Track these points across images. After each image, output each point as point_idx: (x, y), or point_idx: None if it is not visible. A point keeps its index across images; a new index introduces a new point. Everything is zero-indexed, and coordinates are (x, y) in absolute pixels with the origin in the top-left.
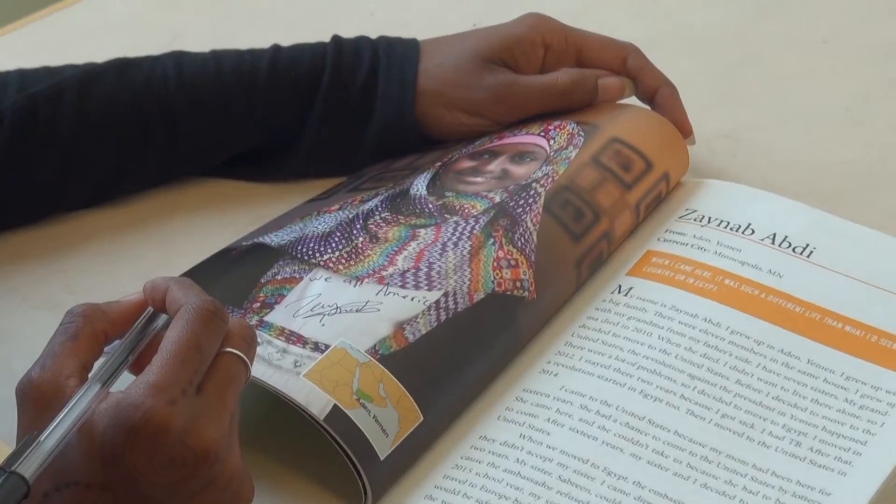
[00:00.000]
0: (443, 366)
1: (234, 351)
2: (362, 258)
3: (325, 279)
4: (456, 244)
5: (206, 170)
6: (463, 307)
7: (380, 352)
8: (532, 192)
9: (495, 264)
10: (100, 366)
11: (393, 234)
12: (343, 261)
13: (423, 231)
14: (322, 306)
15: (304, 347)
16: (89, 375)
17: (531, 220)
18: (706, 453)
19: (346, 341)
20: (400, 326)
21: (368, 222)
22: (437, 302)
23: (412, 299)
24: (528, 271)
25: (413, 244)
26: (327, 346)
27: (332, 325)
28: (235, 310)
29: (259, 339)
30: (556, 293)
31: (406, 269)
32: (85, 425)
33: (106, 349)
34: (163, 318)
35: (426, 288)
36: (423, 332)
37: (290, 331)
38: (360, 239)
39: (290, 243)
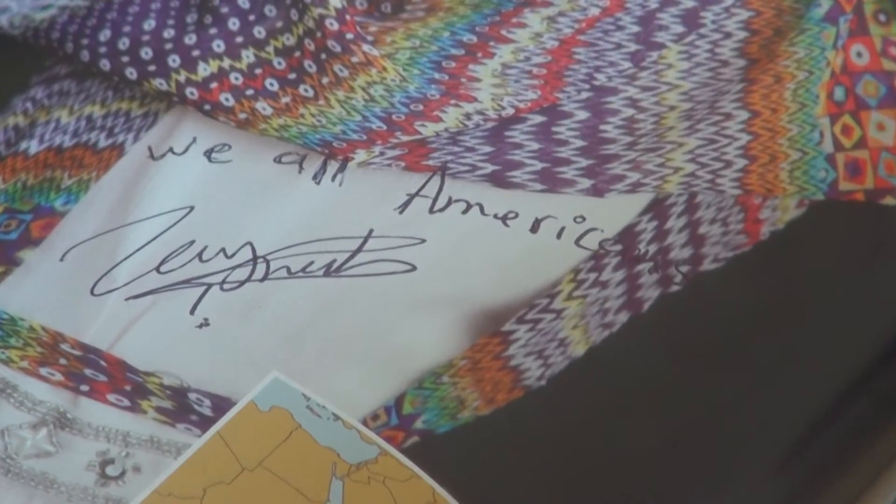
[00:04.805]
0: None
1: None
2: (337, 74)
3: (207, 154)
4: (690, 26)
5: None
6: (724, 255)
7: (421, 421)
8: None
9: (834, 97)
10: None
11: None
12: (260, 86)
13: None
14: (194, 252)
15: (129, 406)
16: None
17: None
18: None
19: (288, 382)
20: (493, 332)
21: None
22: (628, 243)
23: (534, 229)
24: None
25: (533, 21)
26: (227, 401)
27: (233, 323)
28: None
29: None
30: None
31: (505, 109)
32: None
33: None
34: None
35: (585, 183)
36: (578, 351)
37: (79, 345)
38: None
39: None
